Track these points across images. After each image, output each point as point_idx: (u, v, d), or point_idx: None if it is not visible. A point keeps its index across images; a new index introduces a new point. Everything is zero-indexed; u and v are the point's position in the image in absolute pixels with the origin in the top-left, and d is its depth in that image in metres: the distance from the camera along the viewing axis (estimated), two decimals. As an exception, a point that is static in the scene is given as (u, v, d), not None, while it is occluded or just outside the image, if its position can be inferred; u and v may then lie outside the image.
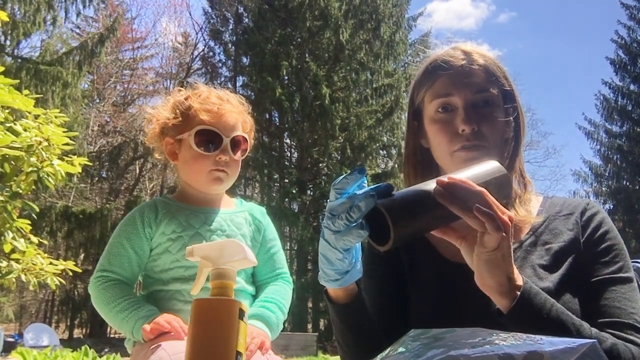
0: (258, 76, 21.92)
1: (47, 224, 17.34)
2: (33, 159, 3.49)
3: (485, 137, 1.07)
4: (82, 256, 19.93)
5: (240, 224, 1.51)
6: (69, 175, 3.83)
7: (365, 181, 0.89)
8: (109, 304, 1.36)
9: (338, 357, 1.13)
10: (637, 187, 24.42)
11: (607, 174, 25.33)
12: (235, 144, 1.48)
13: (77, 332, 27.13)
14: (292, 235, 21.79)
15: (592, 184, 25.64)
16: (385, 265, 1.19)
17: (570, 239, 1.09)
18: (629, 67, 25.29)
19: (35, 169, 3.53)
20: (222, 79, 24.85)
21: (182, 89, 1.57)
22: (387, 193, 0.85)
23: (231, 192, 1.60)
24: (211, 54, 26.15)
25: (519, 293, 0.88)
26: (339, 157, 22.35)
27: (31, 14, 16.06)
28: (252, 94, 22.00)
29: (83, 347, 5.94)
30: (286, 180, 22.34)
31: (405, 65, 24.34)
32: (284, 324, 1.48)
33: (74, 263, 4.72)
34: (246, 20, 23.82)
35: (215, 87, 1.56)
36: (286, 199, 21.93)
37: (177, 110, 1.49)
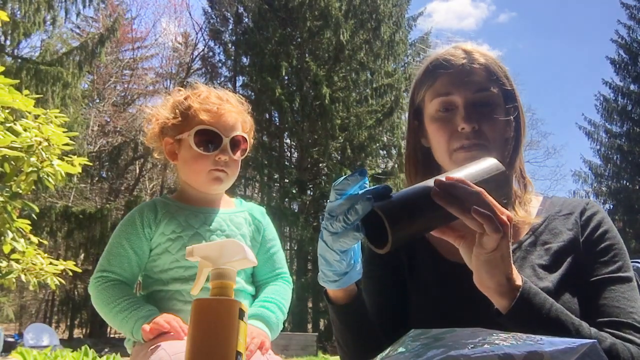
0: (258, 76, 21.92)
1: (47, 224, 17.36)
2: (33, 159, 3.49)
3: (485, 136, 1.07)
4: (82, 256, 19.95)
5: (240, 224, 1.51)
6: (69, 175, 3.83)
7: (367, 182, 0.88)
8: (109, 304, 1.37)
9: (338, 357, 1.13)
10: (637, 187, 24.42)
11: (607, 174, 25.33)
12: (235, 143, 1.48)
13: (77, 332, 27.12)
14: (292, 236, 21.78)
15: (592, 184, 25.67)
16: (384, 265, 1.19)
17: (569, 239, 1.09)
18: (629, 67, 25.29)
19: (35, 169, 3.53)
20: (222, 79, 24.89)
21: (181, 89, 1.57)
22: (385, 195, 0.84)
23: (231, 192, 1.60)
24: (211, 54, 26.21)
25: (518, 293, 0.87)
26: (339, 157, 22.34)
27: (31, 14, 16.06)
28: (252, 94, 22.01)
29: (83, 347, 5.95)
30: (286, 180, 22.33)
31: (406, 65, 24.34)
32: (284, 324, 1.48)
33: (74, 263, 4.72)
34: (246, 20, 23.82)
35: (215, 87, 1.56)
36: (286, 199, 21.93)
37: (177, 110, 1.48)
